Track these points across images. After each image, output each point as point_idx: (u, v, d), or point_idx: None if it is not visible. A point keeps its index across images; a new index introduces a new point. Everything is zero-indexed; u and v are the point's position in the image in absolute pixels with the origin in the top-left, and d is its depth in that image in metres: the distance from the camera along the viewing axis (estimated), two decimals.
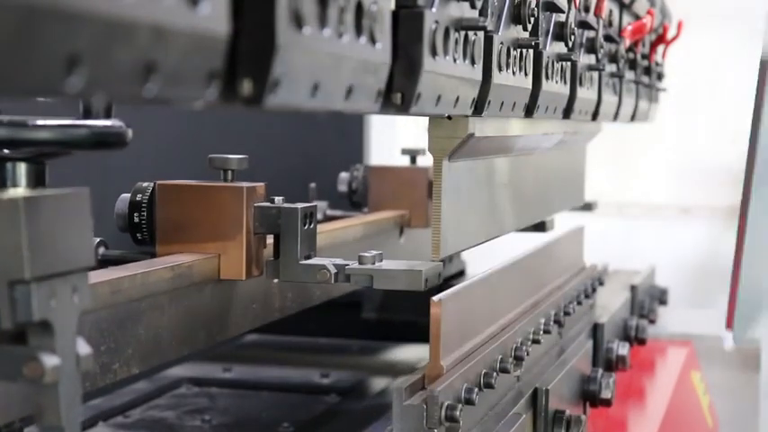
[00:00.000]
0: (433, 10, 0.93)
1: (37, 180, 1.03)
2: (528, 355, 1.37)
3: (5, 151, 1.01)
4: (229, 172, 1.28)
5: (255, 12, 0.68)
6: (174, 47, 0.60)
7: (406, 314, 2.07)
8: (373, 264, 1.22)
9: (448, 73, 0.99)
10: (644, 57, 2.13)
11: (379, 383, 1.88)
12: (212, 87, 0.65)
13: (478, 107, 1.12)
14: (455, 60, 1.00)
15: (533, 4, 1.21)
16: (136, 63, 0.57)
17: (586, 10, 1.52)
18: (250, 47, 0.68)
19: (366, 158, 2.80)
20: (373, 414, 1.65)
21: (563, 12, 1.37)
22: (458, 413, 1.10)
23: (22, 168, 1.02)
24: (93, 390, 1.03)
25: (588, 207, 2.23)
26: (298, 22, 0.70)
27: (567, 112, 1.50)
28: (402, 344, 2.06)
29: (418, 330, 2.07)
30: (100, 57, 0.55)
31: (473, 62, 1.06)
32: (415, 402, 1.09)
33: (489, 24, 1.10)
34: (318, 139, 2.65)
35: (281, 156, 2.55)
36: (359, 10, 0.80)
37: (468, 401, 1.15)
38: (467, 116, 1.14)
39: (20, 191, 0.99)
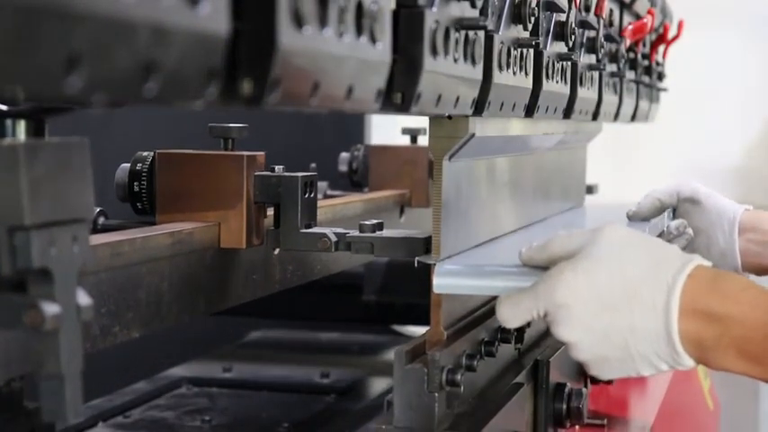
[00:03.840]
0: (434, 10, 0.93)
1: (36, 135, 1.03)
2: (529, 326, 1.37)
3: (3, 107, 1.00)
4: (230, 141, 1.28)
5: (255, 12, 0.67)
6: (174, 47, 0.60)
7: (407, 296, 2.06)
8: (373, 232, 1.22)
9: (448, 73, 0.99)
10: (644, 56, 2.13)
11: (378, 383, 1.88)
12: (212, 87, 0.65)
13: (479, 107, 1.12)
14: (455, 60, 1.00)
15: (534, 4, 1.21)
16: (136, 63, 0.57)
17: (587, 10, 1.52)
18: (250, 47, 0.68)
19: (367, 138, 2.79)
20: (373, 414, 1.65)
21: (563, 11, 1.37)
22: (459, 377, 1.10)
23: (21, 125, 1.01)
24: (95, 352, 1.02)
25: (590, 190, 2.22)
26: (298, 21, 0.70)
27: (567, 112, 1.50)
28: (404, 341, 2.06)
29: (419, 312, 2.07)
30: (100, 57, 0.55)
31: (474, 62, 1.06)
32: (416, 366, 1.09)
33: (490, 24, 1.10)
34: (319, 119, 2.64)
35: (282, 134, 2.54)
36: (359, 10, 0.80)
37: (470, 368, 1.16)
38: (467, 116, 1.14)
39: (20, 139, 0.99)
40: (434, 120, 1.15)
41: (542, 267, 1.11)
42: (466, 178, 1.23)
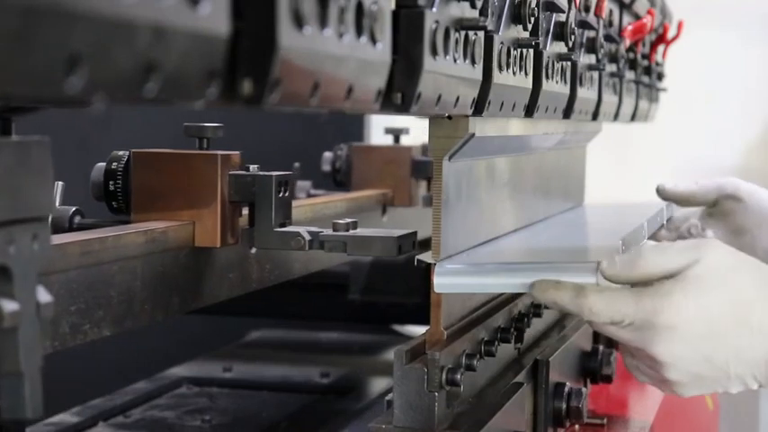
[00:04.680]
0: (434, 10, 0.93)
1: (3, 134, 1.02)
2: (529, 326, 1.37)
3: None
4: (205, 140, 1.28)
5: (256, 12, 0.68)
6: (174, 47, 0.60)
7: (393, 296, 2.07)
8: (347, 231, 1.22)
9: (448, 73, 0.99)
10: (644, 57, 2.13)
11: (379, 383, 1.88)
12: (212, 87, 0.65)
13: (479, 107, 1.12)
14: (455, 60, 1.00)
15: (533, 4, 1.21)
16: (136, 63, 0.57)
17: (587, 10, 1.52)
18: (250, 47, 0.68)
19: (366, 138, 2.79)
20: (373, 413, 1.65)
21: (563, 12, 1.37)
22: (459, 377, 1.11)
23: None
24: (65, 350, 1.02)
25: None
26: (298, 21, 0.70)
27: (567, 112, 1.50)
28: (403, 341, 2.06)
29: (408, 312, 2.06)
30: (100, 57, 0.55)
31: (473, 62, 1.06)
32: (416, 366, 1.09)
33: (489, 24, 1.10)
34: (302, 119, 2.64)
35: (264, 134, 2.53)
36: (359, 10, 0.80)
37: (469, 367, 1.16)
38: (467, 116, 1.14)
39: None
40: (434, 120, 1.15)
41: (546, 262, 1.12)
42: (466, 178, 1.23)
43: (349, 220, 1.23)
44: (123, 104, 0.62)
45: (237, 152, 1.28)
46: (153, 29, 0.57)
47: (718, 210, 1.74)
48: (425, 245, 1.18)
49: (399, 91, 0.91)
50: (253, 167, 1.27)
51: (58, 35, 0.52)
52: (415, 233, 1.23)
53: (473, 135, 1.16)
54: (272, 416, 1.67)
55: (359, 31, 0.80)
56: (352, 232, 1.22)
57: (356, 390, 1.84)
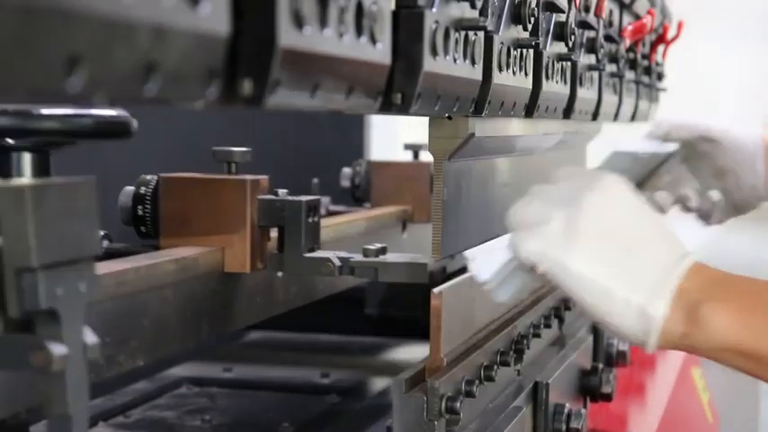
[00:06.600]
0: (434, 10, 0.93)
1: (41, 170, 1.03)
2: (528, 348, 1.37)
3: (9, 141, 1.01)
4: (233, 164, 1.28)
5: (256, 12, 0.68)
6: (174, 47, 0.60)
7: (409, 310, 2.07)
8: (377, 257, 1.22)
9: (448, 73, 0.99)
10: (644, 57, 2.13)
11: (379, 383, 1.88)
12: (212, 87, 0.65)
13: (479, 107, 1.12)
14: (455, 60, 1.00)
15: (533, 4, 1.21)
16: (136, 63, 0.57)
17: (586, 10, 1.52)
18: (250, 47, 0.68)
19: (366, 154, 2.80)
20: (373, 414, 1.65)
21: (563, 12, 1.37)
22: (458, 405, 1.10)
23: (26, 158, 1.02)
24: (99, 382, 1.03)
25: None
26: (298, 21, 0.70)
27: (567, 112, 1.50)
28: (403, 343, 2.06)
29: (421, 327, 2.05)
30: (100, 57, 0.55)
31: (473, 62, 1.06)
32: (415, 394, 1.09)
33: (489, 24, 1.10)
34: (318, 134, 2.65)
35: (282, 151, 2.55)
36: (359, 10, 0.80)
37: (469, 394, 1.15)
38: (467, 116, 1.14)
39: (26, 179, 0.99)
40: (434, 120, 1.15)
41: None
42: (466, 178, 1.23)
43: (378, 246, 1.23)
44: (123, 104, 0.62)
45: (266, 177, 1.28)
46: (153, 29, 0.57)
47: (695, 154, 1.72)
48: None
49: (399, 91, 0.91)
50: (281, 192, 1.27)
51: (58, 35, 0.52)
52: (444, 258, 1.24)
53: (473, 135, 1.16)
54: (272, 416, 1.66)
55: (359, 32, 0.80)
56: (381, 258, 1.23)
57: (356, 390, 1.84)
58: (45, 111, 1.01)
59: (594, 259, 1.02)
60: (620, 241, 1.02)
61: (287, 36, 0.69)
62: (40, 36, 0.51)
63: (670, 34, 2.18)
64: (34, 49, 0.51)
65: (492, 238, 1.35)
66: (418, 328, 2.08)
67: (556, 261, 1.03)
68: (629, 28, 1.81)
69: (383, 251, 1.23)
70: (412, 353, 1.99)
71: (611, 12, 1.74)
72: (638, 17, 1.94)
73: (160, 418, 1.65)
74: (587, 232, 1.02)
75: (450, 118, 1.14)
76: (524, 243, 1.04)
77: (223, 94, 0.67)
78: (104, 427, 1.59)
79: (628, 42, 1.82)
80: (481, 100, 1.12)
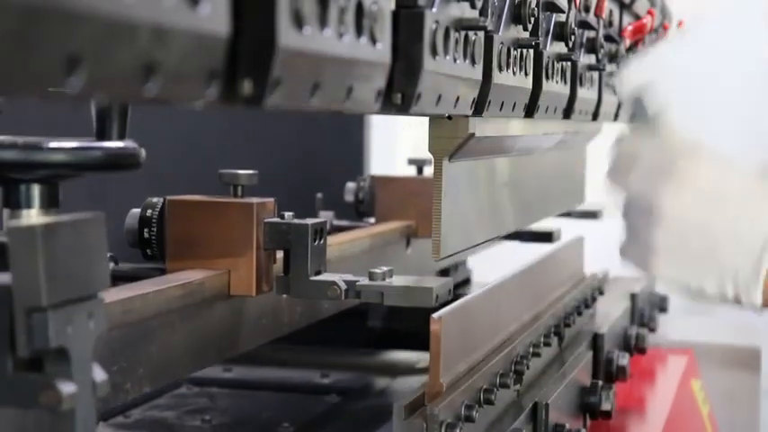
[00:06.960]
0: (434, 10, 0.93)
1: (50, 201, 1.03)
2: (528, 369, 1.37)
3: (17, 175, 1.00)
4: (239, 187, 1.28)
5: (256, 12, 0.68)
6: (174, 47, 0.60)
7: (412, 323, 2.06)
8: (383, 280, 1.22)
9: (448, 73, 0.99)
10: None
11: (379, 384, 1.88)
12: (212, 87, 0.65)
13: (479, 107, 1.12)
14: (455, 60, 1.00)
15: (533, 4, 1.21)
16: (136, 63, 0.57)
17: (587, 10, 1.52)
18: (250, 47, 0.68)
19: (367, 168, 2.81)
20: (373, 414, 1.65)
21: (563, 12, 1.37)
22: (458, 431, 1.10)
23: (35, 190, 1.01)
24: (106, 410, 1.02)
25: (594, 215, 2.22)
26: (298, 22, 0.70)
27: (567, 112, 1.50)
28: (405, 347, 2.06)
29: (423, 339, 2.05)
30: (100, 57, 0.55)
31: (473, 62, 1.06)
32: (414, 421, 1.09)
33: (489, 24, 1.10)
34: (321, 148, 2.66)
35: (284, 166, 2.56)
36: (359, 10, 0.80)
37: (468, 419, 1.15)
38: (467, 116, 1.14)
39: (34, 213, 0.99)
40: (434, 120, 1.15)
41: None
42: (466, 178, 1.23)
43: (385, 269, 1.23)
44: (122, 103, 0.62)
45: (272, 199, 1.28)
46: (153, 29, 0.57)
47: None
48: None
49: (399, 91, 0.91)
50: (288, 215, 1.26)
51: (58, 35, 0.52)
52: (450, 281, 1.24)
53: (473, 135, 1.16)
54: (272, 416, 1.66)
55: (359, 32, 0.80)
56: (388, 281, 1.22)
57: (356, 390, 1.84)
58: (54, 144, 1.01)
59: None
60: None
61: (287, 36, 0.69)
62: (40, 36, 0.51)
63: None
64: (34, 49, 0.51)
65: (492, 238, 1.35)
66: (420, 340, 2.08)
67: None
68: (629, 28, 1.81)
69: (389, 274, 1.23)
70: (411, 355, 1.99)
71: (611, 12, 1.74)
72: (638, 17, 1.94)
73: (160, 418, 1.65)
74: None
75: (450, 118, 1.14)
76: None
77: (223, 94, 0.67)
78: (104, 427, 1.59)
79: (628, 42, 1.82)
80: (481, 100, 1.12)
